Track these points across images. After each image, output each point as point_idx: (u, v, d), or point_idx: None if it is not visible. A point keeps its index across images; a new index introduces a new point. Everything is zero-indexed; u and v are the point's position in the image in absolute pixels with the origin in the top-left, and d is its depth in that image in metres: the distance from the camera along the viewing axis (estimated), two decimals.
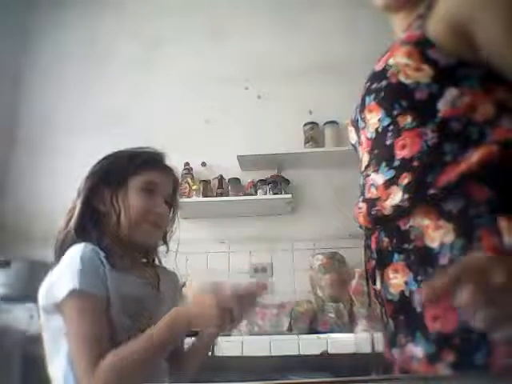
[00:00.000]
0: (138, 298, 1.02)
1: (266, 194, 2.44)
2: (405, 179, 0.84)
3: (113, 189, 1.07)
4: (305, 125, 2.58)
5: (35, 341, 1.80)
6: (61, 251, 1.01)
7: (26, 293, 1.99)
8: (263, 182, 2.49)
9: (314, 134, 2.55)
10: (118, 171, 1.09)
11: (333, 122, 2.57)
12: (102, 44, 2.92)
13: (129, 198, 1.06)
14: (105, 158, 1.12)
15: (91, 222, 1.05)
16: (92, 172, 1.10)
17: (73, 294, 0.91)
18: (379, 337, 0.94)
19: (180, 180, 1.25)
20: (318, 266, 2.12)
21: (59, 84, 2.85)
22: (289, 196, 2.41)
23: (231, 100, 2.71)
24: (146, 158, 1.13)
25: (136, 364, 0.88)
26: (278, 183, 2.45)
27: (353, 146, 1.10)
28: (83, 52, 2.91)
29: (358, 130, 1.02)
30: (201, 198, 2.45)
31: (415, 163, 0.83)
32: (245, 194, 2.50)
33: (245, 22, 2.84)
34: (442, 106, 0.84)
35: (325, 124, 2.58)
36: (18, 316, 1.85)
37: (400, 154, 0.86)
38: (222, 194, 2.49)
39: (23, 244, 2.45)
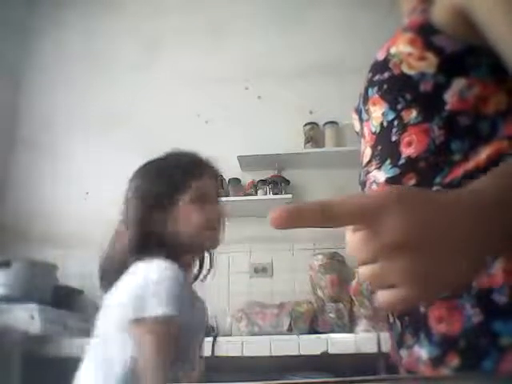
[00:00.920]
0: (202, 324, 1.08)
1: (266, 194, 2.44)
2: (410, 180, 0.79)
3: (165, 209, 1.08)
4: (305, 125, 2.58)
5: (35, 341, 1.80)
6: (117, 274, 1.02)
7: (26, 293, 2.00)
8: (263, 182, 2.49)
9: (314, 134, 2.55)
10: (166, 191, 1.09)
11: (333, 122, 2.57)
12: (101, 44, 2.91)
13: (181, 214, 1.08)
14: (147, 175, 1.12)
15: (150, 243, 1.06)
16: (137, 195, 1.11)
17: (163, 318, 0.93)
18: (385, 336, 0.92)
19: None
20: (318, 266, 2.12)
21: (59, 84, 2.85)
22: (289, 196, 2.41)
23: (231, 100, 2.71)
24: (193, 168, 1.13)
25: None
26: (278, 183, 2.45)
27: (357, 133, 1.04)
28: (83, 52, 2.91)
29: (360, 120, 0.98)
30: None
31: (421, 164, 0.78)
32: (245, 194, 2.49)
33: (245, 22, 2.84)
34: (450, 98, 0.78)
35: (325, 124, 2.58)
36: (18, 316, 1.85)
37: (406, 151, 0.81)
38: (222, 194, 2.48)
39: (23, 244, 2.45)
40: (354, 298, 1.98)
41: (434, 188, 0.76)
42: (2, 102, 2.75)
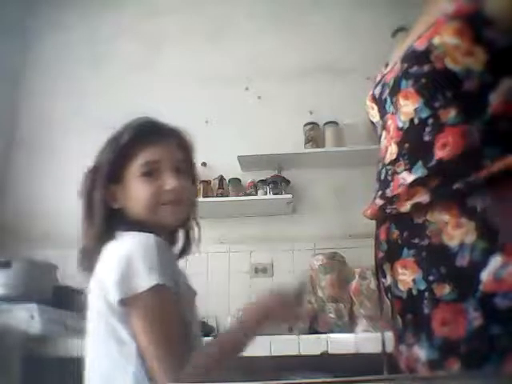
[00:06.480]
0: (190, 290, 1.02)
1: (266, 194, 2.44)
2: (434, 182, 0.74)
3: (115, 184, 1.01)
4: (305, 125, 2.58)
5: (35, 341, 1.80)
6: (95, 253, 0.97)
7: (26, 293, 1.99)
8: (263, 182, 2.48)
9: (314, 134, 2.55)
10: (111, 164, 1.01)
11: (333, 122, 2.57)
12: (101, 44, 2.91)
13: (130, 189, 0.99)
14: (99, 153, 1.06)
15: (115, 219, 0.98)
16: (90, 170, 1.04)
17: (154, 289, 0.84)
18: (388, 336, 0.90)
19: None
20: (318, 267, 2.12)
21: (59, 84, 2.85)
22: (289, 196, 2.41)
23: (231, 100, 2.71)
24: (141, 136, 1.02)
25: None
26: (278, 183, 2.45)
27: (372, 123, 0.97)
28: (83, 52, 2.90)
29: (383, 111, 0.89)
30: (201, 198, 2.44)
31: (451, 167, 0.73)
32: (245, 195, 2.49)
33: (245, 23, 2.84)
34: (494, 100, 0.71)
35: (325, 124, 2.58)
36: (18, 316, 1.85)
37: (439, 153, 0.74)
38: (222, 195, 2.48)
39: (23, 244, 2.45)
40: (353, 297, 1.98)
41: (455, 186, 0.72)
42: (2, 102, 2.75)
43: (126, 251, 0.88)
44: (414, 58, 0.80)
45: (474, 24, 0.72)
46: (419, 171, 0.76)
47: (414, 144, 0.79)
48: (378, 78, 0.93)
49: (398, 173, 0.81)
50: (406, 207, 0.78)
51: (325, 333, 1.87)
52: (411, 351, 0.79)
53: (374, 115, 0.94)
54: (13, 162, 2.74)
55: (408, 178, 0.78)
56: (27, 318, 1.84)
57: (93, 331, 0.94)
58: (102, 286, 0.89)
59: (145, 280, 0.84)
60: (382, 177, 0.85)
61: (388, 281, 0.85)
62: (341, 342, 1.74)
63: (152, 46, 2.87)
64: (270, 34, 2.79)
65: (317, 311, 2.04)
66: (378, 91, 0.92)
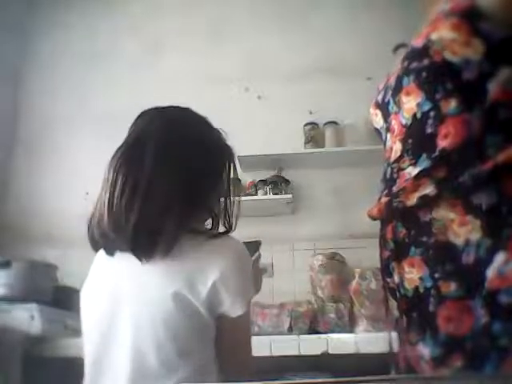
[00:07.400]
0: None
1: (266, 194, 2.44)
2: (439, 173, 0.75)
3: (222, 183, 1.09)
4: (305, 125, 2.58)
5: (35, 341, 1.80)
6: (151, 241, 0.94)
7: (26, 293, 1.99)
8: (263, 182, 2.49)
9: (314, 134, 2.55)
10: (219, 165, 1.11)
11: (333, 122, 2.57)
12: (101, 43, 2.91)
13: (223, 195, 1.07)
14: (200, 145, 1.07)
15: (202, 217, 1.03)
16: (201, 167, 1.04)
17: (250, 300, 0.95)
18: (393, 336, 0.90)
19: None
20: (318, 267, 2.12)
21: (59, 84, 2.85)
22: (289, 196, 2.41)
23: (231, 100, 2.71)
24: (231, 151, 1.16)
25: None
26: (278, 183, 2.45)
27: (376, 130, 0.99)
28: (83, 51, 2.91)
29: (387, 113, 0.91)
30: None
31: (455, 157, 0.74)
32: (245, 195, 2.49)
33: (245, 23, 2.84)
34: (493, 87, 0.73)
35: (325, 124, 2.58)
36: (18, 316, 1.85)
37: (441, 143, 0.75)
38: None
39: (23, 244, 2.45)
40: (353, 298, 1.98)
41: (461, 179, 0.73)
42: (2, 103, 2.75)
43: (238, 263, 0.93)
44: (413, 54, 0.82)
45: (470, 18, 0.74)
46: (424, 163, 0.77)
47: (417, 138, 0.80)
48: (381, 87, 0.94)
49: (403, 169, 0.81)
50: (412, 200, 0.78)
51: (325, 333, 1.87)
52: (415, 350, 0.79)
53: (378, 121, 0.95)
54: (13, 162, 2.74)
55: (413, 171, 0.79)
56: (27, 317, 1.84)
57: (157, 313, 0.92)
58: (210, 292, 0.90)
59: (252, 291, 0.97)
60: (388, 176, 0.86)
61: (396, 280, 0.84)
62: (341, 342, 1.74)
63: (152, 46, 2.87)
64: (271, 34, 2.79)
65: (317, 311, 2.04)
66: (380, 97, 0.93)
